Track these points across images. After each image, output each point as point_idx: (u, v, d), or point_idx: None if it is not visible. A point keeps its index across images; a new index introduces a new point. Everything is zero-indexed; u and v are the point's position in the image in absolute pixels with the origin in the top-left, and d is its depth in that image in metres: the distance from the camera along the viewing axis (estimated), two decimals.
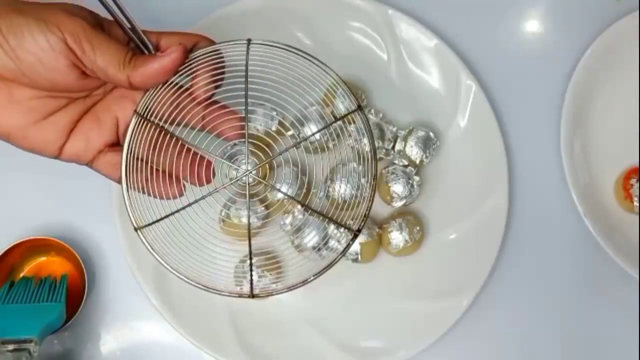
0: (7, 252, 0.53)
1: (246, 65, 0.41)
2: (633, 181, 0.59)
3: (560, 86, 0.61)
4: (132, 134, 0.41)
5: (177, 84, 0.41)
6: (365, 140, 0.42)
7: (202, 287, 0.41)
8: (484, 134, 0.59)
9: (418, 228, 0.57)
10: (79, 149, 0.41)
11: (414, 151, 0.57)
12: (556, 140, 0.60)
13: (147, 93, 0.41)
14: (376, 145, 0.55)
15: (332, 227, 0.53)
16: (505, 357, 0.59)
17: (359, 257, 0.55)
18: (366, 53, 0.60)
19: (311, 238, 0.52)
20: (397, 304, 0.57)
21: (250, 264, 0.42)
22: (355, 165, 0.54)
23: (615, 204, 0.61)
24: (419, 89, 0.60)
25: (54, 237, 0.54)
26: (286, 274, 0.53)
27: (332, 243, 0.53)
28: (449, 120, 0.60)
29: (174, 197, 0.42)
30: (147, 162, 0.42)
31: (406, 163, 0.57)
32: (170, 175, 0.43)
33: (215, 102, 0.42)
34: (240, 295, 0.41)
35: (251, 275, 0.42)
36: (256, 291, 0.41)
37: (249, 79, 0.41)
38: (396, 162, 0.57)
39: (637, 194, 0.59)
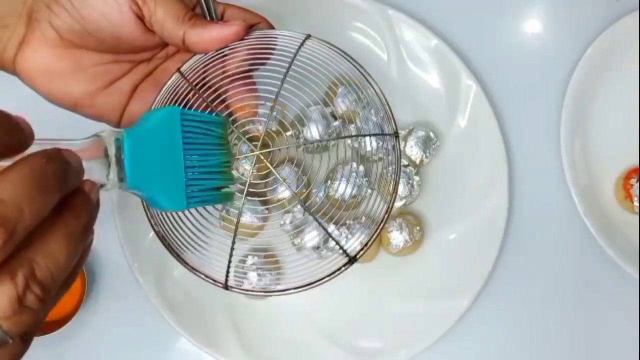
0: None
1: (293, 57, 0.40)
2: (633, 181, 0.59)
3: (560, 86, 0.61)
4: (167, 89, 0.40)
5: (225, 55, 0.41)
6: (391, 168, 0.41)
7: (181, 260, 0.39)
8: (484, 134, 0.59)
9: (418, 228, 0.57)
10: (136, 111, 0.42)
11: (414, 151, 0.57)
12: (556, 140, 0.60)
13: (197, 57, 0.40)
14: (377, 145, 0.55)
15: (332, 227, 0.53)
16: (505, 356, 0.59)
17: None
18: (366, 53, 0.60)
19: (312, 238, 0.52)
20: (397, 304, 0.57)
21: (231, 253, 0.39)
22: (355, 165, 0.54)
23: (615, 204, 0.61)
24: (419, 89, 0.60)
25: None
26: (285, 274, 0.52)
27: (332, 243, 0.53)
28: (449, 120, 0.60)
29: None
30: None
31: (406, 163, 0.57)
32: None
33: (248, 77, 0.42)
34: (215, 282, 0.39)
35: (229, 265, 0.39)
36: (232, 283, 0.39)
37: (289, 72, 0.40)
38: None
39: (637, 194, 0.59)
